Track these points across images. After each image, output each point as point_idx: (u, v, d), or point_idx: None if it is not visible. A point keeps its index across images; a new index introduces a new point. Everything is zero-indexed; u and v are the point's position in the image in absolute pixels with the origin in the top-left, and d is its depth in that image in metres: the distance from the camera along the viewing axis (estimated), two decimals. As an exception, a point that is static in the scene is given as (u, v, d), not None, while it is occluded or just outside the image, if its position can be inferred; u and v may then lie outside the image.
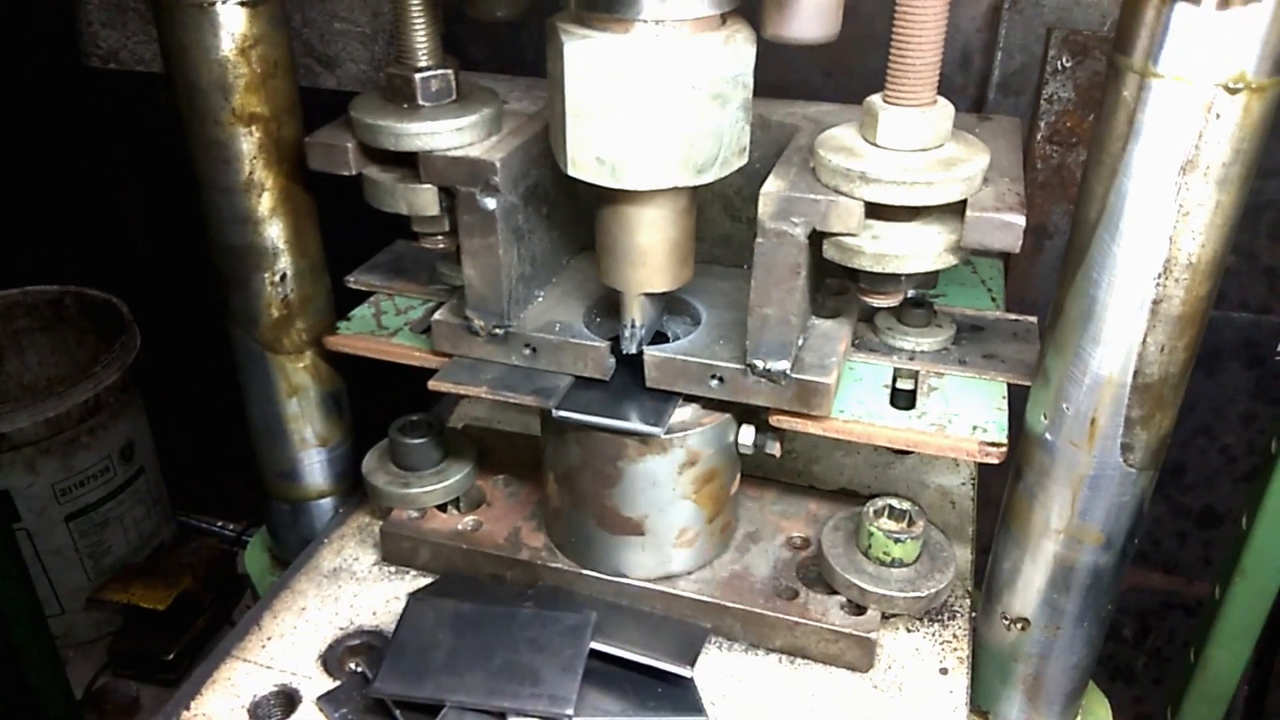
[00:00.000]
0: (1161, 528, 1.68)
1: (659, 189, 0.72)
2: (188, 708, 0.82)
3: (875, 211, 0.71)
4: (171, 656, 1.97)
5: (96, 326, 2.11)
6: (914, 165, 0.69)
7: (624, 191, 0.73)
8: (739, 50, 0.69)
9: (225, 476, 2.08)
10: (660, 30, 0.67)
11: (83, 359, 2.14)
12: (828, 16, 0.72)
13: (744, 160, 0.75)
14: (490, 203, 0.79)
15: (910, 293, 0.87)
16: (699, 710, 0.80)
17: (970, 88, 1.46)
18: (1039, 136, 1.40)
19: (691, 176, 0.71)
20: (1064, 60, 1.35)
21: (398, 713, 0.79)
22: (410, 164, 0.80)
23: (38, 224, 2.10)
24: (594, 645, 0.81)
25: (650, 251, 0.77)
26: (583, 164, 0.71)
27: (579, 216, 0.94)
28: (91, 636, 2.09)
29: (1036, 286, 1.47)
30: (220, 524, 2.34)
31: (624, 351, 0.83)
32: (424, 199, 0.81)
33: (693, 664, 0.82)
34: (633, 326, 0.81)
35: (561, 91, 0.69)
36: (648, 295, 0.80)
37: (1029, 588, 0.82)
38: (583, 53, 0.67)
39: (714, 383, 0.81)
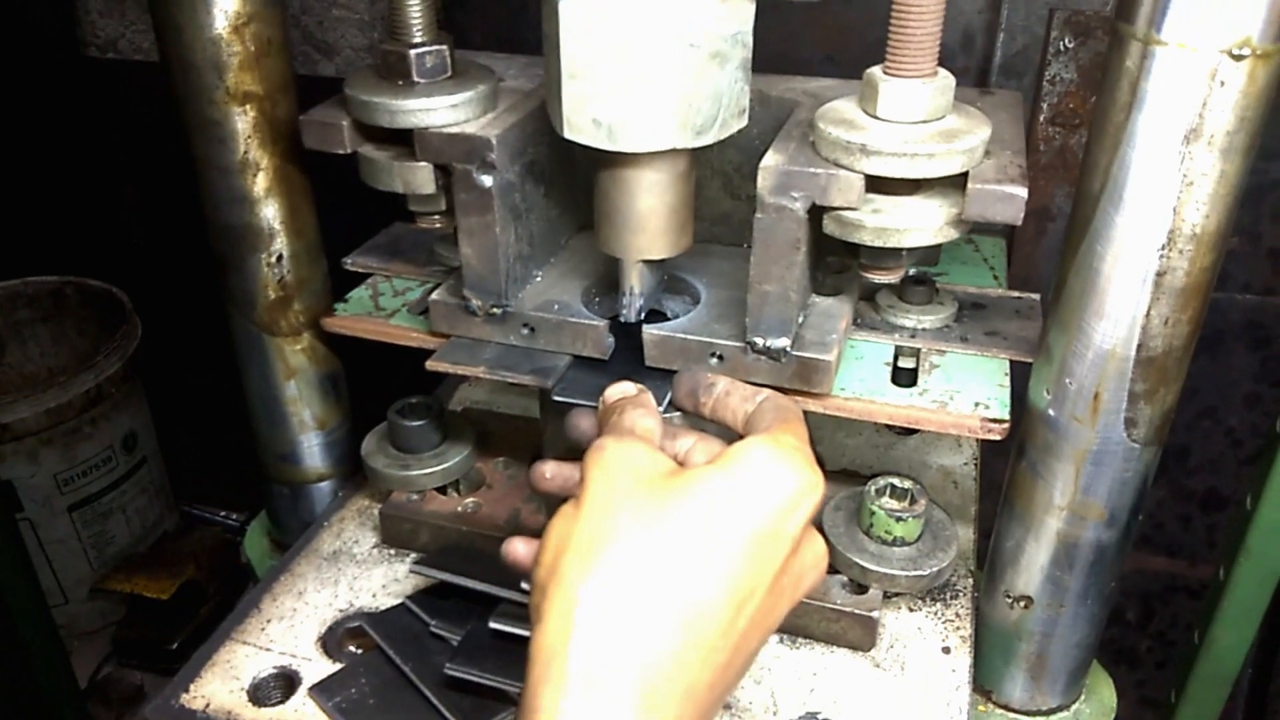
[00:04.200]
0: (1165, 511, 1.67)
1: (657, 151, 0.71)
2: (187, 690, 0.82)
3: (876, 185, 0.70)
4: (175, 646, 1.98)
5: (97, 317, 2.11)
6: (915, 137, 0.68)
7: (621, 155, 0.72)
8: (738, 8, 0.68)
9: (228, 466, 2.07)
10: None
11: (84, 349, 2.14)
12: None
13: (743, 122, 0.73)
14: (487, 180, 0.78)
15: (912, 269, 0.86)
16: None
17: (973, 69, 1.45)
18: (1041, 118, 1.39)
19: (690, 138, 0.70)
20: (1066, 41, 1.34)
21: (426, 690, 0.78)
22: (406, 142, 0.79)
23: (37, 215, 2.10)
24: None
25: (649, 217, 0.76)
26: (579, 126, 0.70)
27: (577, 195, 0.93)
28: (95, 626, 2.09)
29: (1040, 268, 1.46)
30: (224, 513, 2.34)
31: (623, 320, 0.82)
32: (420, 177, 0.80)
33: None
34: (631, 294, 0.80)
35: (557, 51, 0.68)
36: (647, 263, 0.79)
37: (1032, 565, 0.81)
38: (578, 10, 0.66)
39: (714, 361, 0.80)
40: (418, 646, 0.83)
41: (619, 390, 0.69)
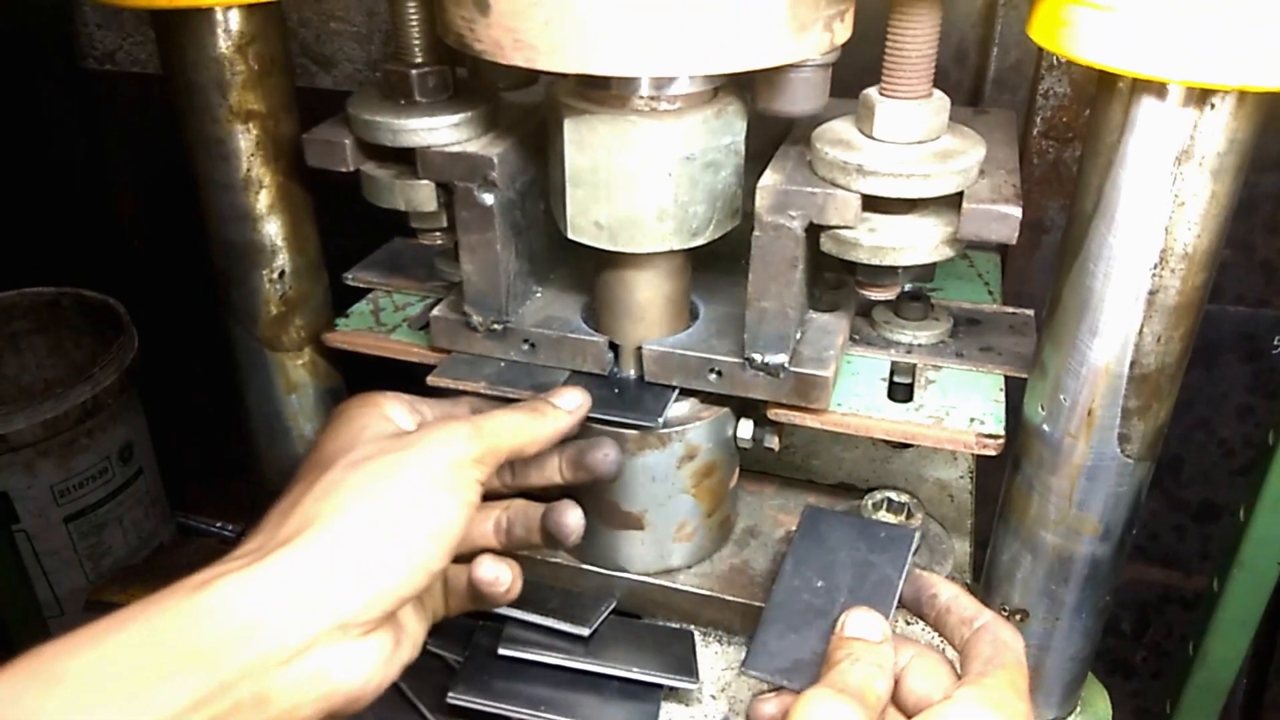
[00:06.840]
0: (1159, 522, 1.68)
1: (655, 252, 0.76)
2: (188, 704, 0.82)
3: (872, 204, 0.71)
4: (171, 658, 1.98)
5: (94, 328, 2.11)
6: (910, 158, 0.69)
7: (622, 254, 0.77)
8: (731, 122, 0.73)
9: (225, 477, 2.07)
10: (656, 105, 0.70)
11: (80, 360, 2.13)
12: (815, 93, 0.75)
13: (737, 221, 0.78)
14: (488, 198, 0.79)
15: (907, 286, 0.87)
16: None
17: (966, 84, 1.46)
18: (1035, 132, 1.40)
19: (686, 240, 0.76)
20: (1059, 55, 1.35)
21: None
22: (408, 160, 0.80)
23: (34, 225, 2.10)
24: (589, 667, 0.81)
25: (647, 307, 0.82)
26: (581, 228, 0.76)
27: (576, 212, 0.94)
28: (91, 638, 2.09)
29: (1034, 281, 1.47)
30: (220, 524, 2.34)
31: (617, 392, 0.84)
32: (422, 195, 0.81)
33: (694, 673, 0.82)
34: (629, 377, 0.85)
35: (561, 162, 0.73)
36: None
37: (1028, 579, 0.82)
38: (581, 127, 0.71)
39: (712, 376, 0.81)
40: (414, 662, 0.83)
41: (860, 626, 0.64)
